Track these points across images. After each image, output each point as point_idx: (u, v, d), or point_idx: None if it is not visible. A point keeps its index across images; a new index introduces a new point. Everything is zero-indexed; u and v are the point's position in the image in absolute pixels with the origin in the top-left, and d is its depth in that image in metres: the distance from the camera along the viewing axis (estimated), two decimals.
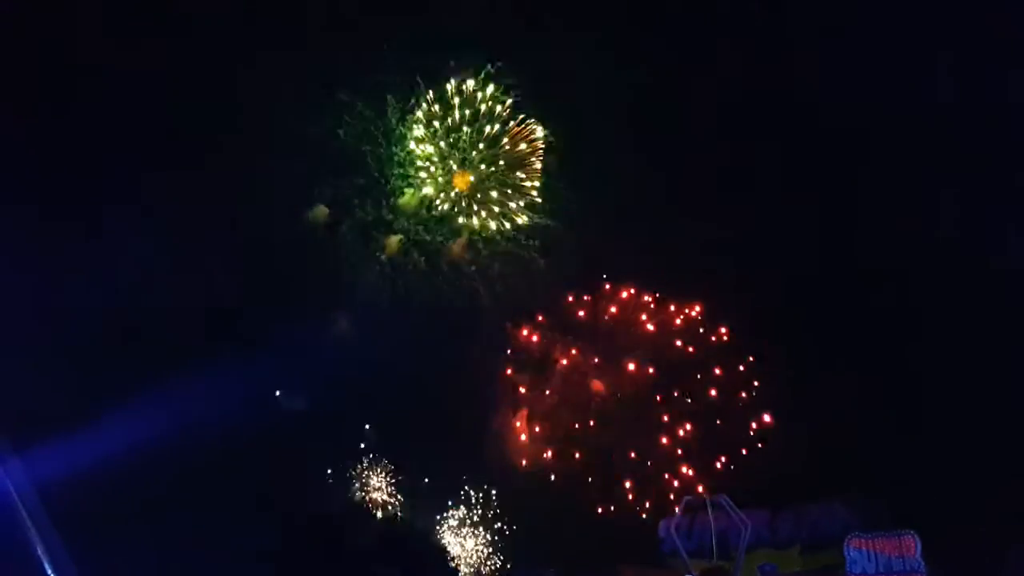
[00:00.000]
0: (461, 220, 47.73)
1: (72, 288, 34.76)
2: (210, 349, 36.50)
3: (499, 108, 48.55)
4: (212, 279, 39.26)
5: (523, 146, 49.13)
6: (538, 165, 49.21)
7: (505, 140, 49.37)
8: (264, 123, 42.57)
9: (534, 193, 48.58)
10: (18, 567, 23.35)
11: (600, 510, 42.67)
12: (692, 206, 43.78)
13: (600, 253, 46.21)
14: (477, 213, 48.00)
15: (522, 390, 46.56)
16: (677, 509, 33.34)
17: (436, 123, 48.06)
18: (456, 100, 48.12)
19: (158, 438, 31.59)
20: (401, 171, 47.09)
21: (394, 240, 46.54)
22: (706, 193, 43.75)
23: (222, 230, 40.23)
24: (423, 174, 47.93)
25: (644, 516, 41.53)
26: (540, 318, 47.27)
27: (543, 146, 49.31)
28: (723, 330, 45.74)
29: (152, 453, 31.52)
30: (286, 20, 42.89)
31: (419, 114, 48.09)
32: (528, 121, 49.46)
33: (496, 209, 48.44)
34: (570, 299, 47.35)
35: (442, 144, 47.83)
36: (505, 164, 49.27)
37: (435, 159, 48.15)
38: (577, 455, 44.34)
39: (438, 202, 47.71)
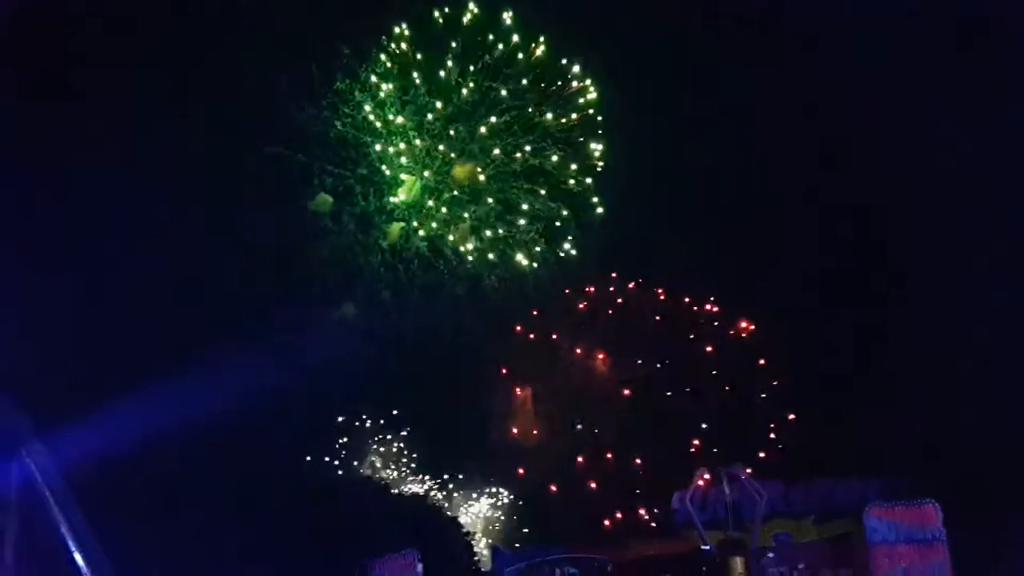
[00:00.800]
0: (469, 251, 43.38)
1: (89, 275, 34.80)
2: (220, 335, 36.60)
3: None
4: (220, 268, 39.30)
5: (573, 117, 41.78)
6: (596, 150, 42.71)
7: (531, 108, 42.49)
8: (263, 114, 42.18)
9: (597, 205, 42.60)
10: (45, 550, 23.43)
11: (608, 522, 42.09)
12: (712, 199, 42.98)
13: (611, 243, 45.07)
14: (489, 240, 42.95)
15: (518, 391, 45.86)
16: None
17: (414, 74, 42.13)
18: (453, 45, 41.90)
19: (176, 423, 31.75)
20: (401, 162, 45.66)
21: (396, 227, 45.84)
22: (725, 186, 43.07)
23: (225, 220, 40.13)
24: (386, 169, 43.17)
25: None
26: (535, 312, 45.84)
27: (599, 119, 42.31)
28: (743, 324, 44.26)
29: (172, 437, 31.74)
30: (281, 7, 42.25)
31: (383, 58, 42.34)
32: (575, 71, 41.67)
33: (521, 222, 43.22)
34: (567, 291, 45.69)
35: (428, 116, 43.28)
36: (533, 148, 42.21)
37: (406, 131, 43.22)
38: (580, 459, 43.58)
39: (417, 226, 43.78)
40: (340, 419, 45.11)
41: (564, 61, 44.00)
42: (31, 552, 23.80)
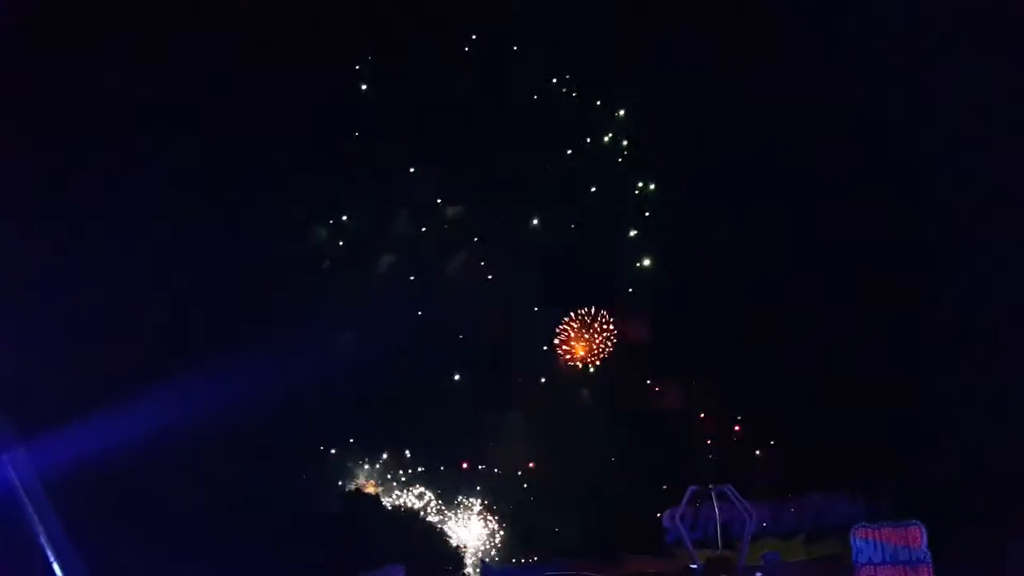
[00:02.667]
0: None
1: (79, 284, 34.99)
2: (216, 351, 36.84)
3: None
4: (224, 289, 40.63)
5: None
6: None
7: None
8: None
9: None
10: (22, 558, 23.34)
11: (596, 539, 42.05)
12: None
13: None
14: None
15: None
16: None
17: None
18: None
19: (163, 432, 31.74)
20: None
21: (386, 260, 46.86)
22: None
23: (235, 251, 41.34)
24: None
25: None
26: None
27: None
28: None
29: (157, 447, 31.74)
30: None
31: None
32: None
33: None
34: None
35: None
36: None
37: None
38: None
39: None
40: (333, 437, 45.67)
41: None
42: (8, 560, 23.74)
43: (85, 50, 39.31)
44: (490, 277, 47.47)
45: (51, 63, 38.06)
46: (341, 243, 48.06)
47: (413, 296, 47.07)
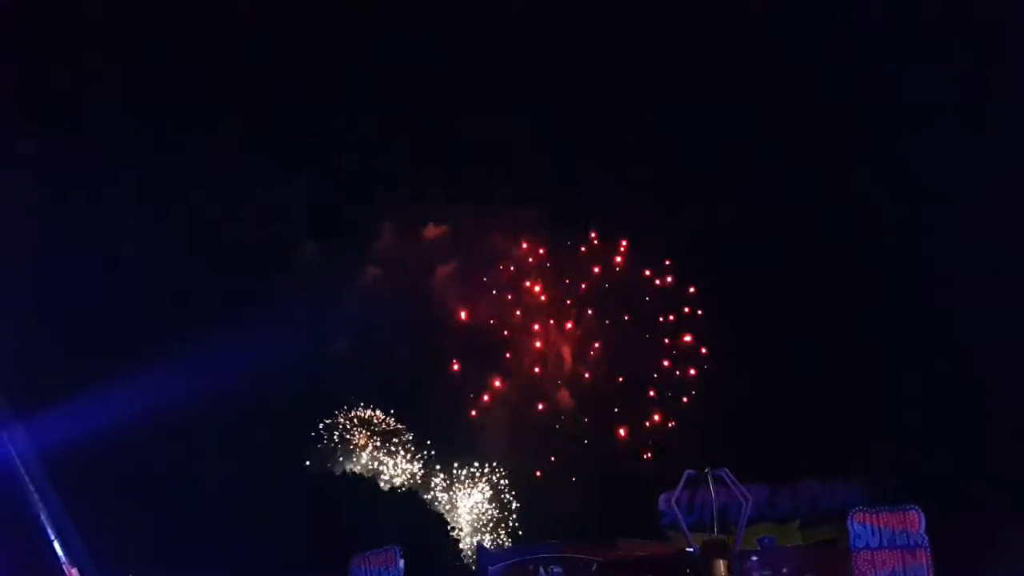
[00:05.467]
0: None
1: (72, 265, 34.98)
2: (210, 329, 36.89)
3: None
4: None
5: None
6: None
7: None
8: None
9: None
10: (22, 533, 23.36)
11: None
12: None
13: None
14: None
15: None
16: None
17: None
18: None
19: (159, 414, 31.75)
20: None
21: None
22: None
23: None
24: None
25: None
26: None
27: None
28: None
29: (154, 427, 31.77)
30: None
31: None
32: None
33: None
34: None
35: None
36: None
37: None
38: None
39: None
40: (328, 417, 45.83)
41: None
42: (10, 537, 23.77)
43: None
44: None
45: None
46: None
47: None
